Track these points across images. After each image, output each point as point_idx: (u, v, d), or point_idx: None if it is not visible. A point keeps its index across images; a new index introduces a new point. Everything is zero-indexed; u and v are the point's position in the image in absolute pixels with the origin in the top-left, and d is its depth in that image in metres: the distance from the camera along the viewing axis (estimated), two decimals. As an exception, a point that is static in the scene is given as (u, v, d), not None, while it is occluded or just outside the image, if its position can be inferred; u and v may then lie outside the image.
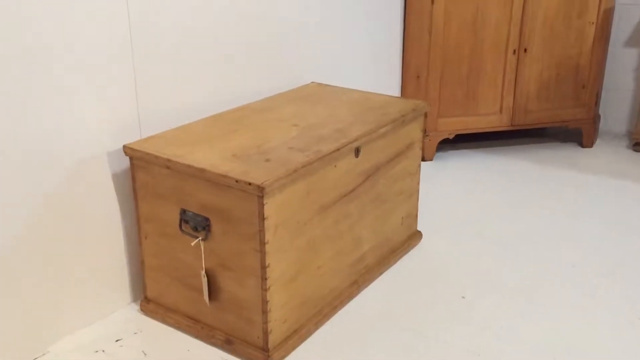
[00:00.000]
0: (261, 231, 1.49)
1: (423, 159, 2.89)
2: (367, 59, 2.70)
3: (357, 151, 1.76)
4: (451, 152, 3.04)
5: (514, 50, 2.84)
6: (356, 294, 1.90)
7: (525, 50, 2.85)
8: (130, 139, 1.73)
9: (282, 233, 1.54)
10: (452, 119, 2.89)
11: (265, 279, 1.53)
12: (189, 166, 1.54)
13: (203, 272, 1.63)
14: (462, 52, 2.81)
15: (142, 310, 1.81)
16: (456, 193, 2.61)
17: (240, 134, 1.75)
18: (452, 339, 1.71)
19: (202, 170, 1.52)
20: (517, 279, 1.99)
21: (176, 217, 1.64)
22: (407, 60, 2.92)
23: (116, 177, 1.74)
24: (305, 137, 1.72)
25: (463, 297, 1.90)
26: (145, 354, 1.65)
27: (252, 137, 1.72)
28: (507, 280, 1.98)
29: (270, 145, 1.66)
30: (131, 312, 1.82)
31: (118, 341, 1.70)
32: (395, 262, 2.07)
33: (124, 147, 1.66)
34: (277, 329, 1.60)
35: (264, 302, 1.55)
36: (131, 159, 1.68)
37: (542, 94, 2.93)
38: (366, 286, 1.94)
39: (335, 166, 1.69)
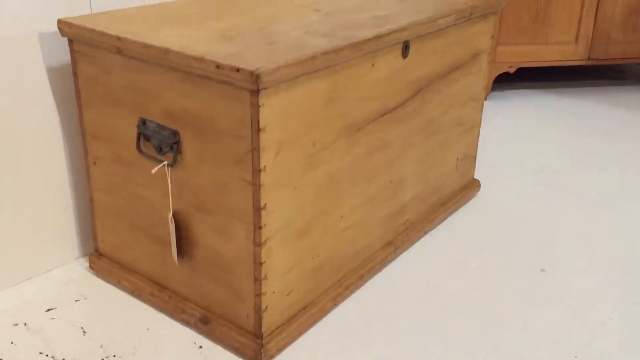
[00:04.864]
0: (255, 150, 0.94)
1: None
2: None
3: (405, 48, 1.19)
4: (509, 91, 2.45)
5: (599, -39, 2.23)
6: (392, 259, 1.35)
7: (613, -39, 2.23)
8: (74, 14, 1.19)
9: (288, 157, 0.99)
10: (514, 48, 2.29)
11: (260, 227, 0.98)
12: (147, 46, 0.99)
13: (170, 216, 1.09)
14: (534, -39, 2.21)
15: (91, 267, 1.28)
16: (518, 137, 2.03)
17: (235, 14, 1.18)
18: (528, 323, 1.16)
19: (166, 52, 0.97)
20: (616, 245, 1.43)
21: (133, 132, 1.09)
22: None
23: (54, 72, 1.20)
24: (331, 21, 1.16)
25: (542, 270, 1.35)
26: (84, 332, 1.13)
27: (253, 19, 1.15)
28: (603, 248, 1.42)
29: (279, 28, 1.10)
30: (77, 270, 1.30)
31: (50, 311, 1.18)
32: (444, 218, 1.51)
33: (59, 21, 1.11)
34: (276, 305, 1.06)
35: (257, 263, 1.01)
36: (70, 42, 1.13)
37: (630, 21, 2.32)
38: (406, 249, 1.39)
39: (373, 65, 1.12)
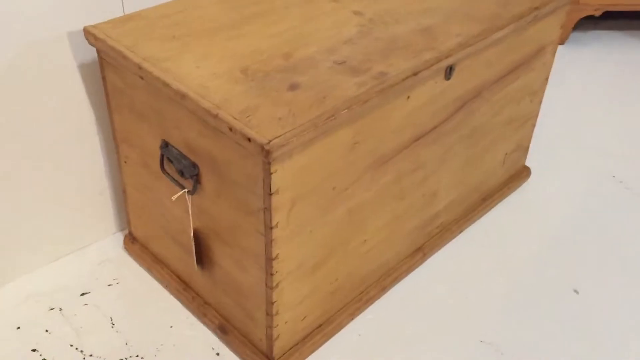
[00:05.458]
0: (267, 210, 0.92)
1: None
2: None
3: (449, 70, 1.10)
4: (593, 32, 2.23)
5: None
6: (419, 264, 1.34)
7: None
8: (104, 14, 1.14)
9: (303, 210, 0.97)
10: (603, -11, 2.07)
11: (272, 274, 0.99)
12: (166, 84, 0.95)
13: (192, 234, 1.10)
14: None
15: (125, 248, 1.34)
16: (591, 100, 1.88)
17: (264, 23, 1.10)
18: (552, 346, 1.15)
19: (183, 97, 0.93)
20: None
21: (157, 149, 1.08)
22: None
23: (89, 67, 1.18)
24: (368, 41, 1.07)
25: (576, 292, 1.31)
26: (113, 324, 1.20)
27: (281, 33, 1.08)
28: (646, 268, 1.35)
29: (306, 54, 1.02)
30: (113, 248, 1.35)
31: (84, 296, 1.26)
32: (484, 213, 1.46)
33: (85, 30, 1.07)
34: (288, 332, 1.09)
35: (269, 302, 1.02)
36: (98, 51, 1.10)
37: None
38: (436, 251, 1.37)
39: (408, 97, 1.05)
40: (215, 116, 0.89)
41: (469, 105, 1.21)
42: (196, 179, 1.02)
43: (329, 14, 1.14)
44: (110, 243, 1.36)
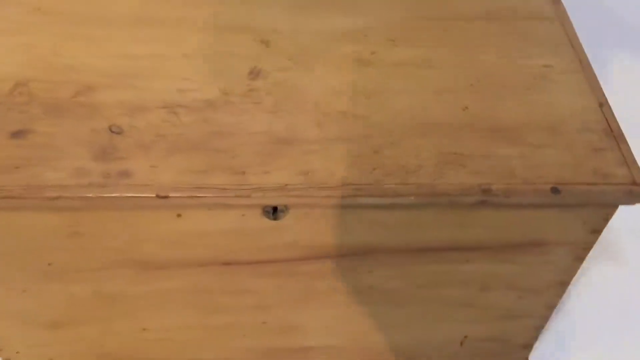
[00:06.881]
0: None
1: None
2: None
3: (272, 211, 0.75)
4: None
5: None
6: (266, 385, 1.06)
7: None
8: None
9: (-1, 266, 0.81)
10: None
11: (-30, 305, 0.87)
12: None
13: None
14: None
15: None
16: None
17: (151, 31, 0.87)
18: None
19: None
20: None
21: None
22: None
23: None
24: (195, 117, 0.77)
25: None
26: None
27: (138, 58, 0.84)
28: None
29: (111, 99, 0.78)
30: None
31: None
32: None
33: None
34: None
35: (-17, 326, 0.92)
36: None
37: None
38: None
39: (179, 215, 0.75)
40: None
41: (347, 261, 0.83)
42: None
43: (226, 49, 0.85)
44: None
